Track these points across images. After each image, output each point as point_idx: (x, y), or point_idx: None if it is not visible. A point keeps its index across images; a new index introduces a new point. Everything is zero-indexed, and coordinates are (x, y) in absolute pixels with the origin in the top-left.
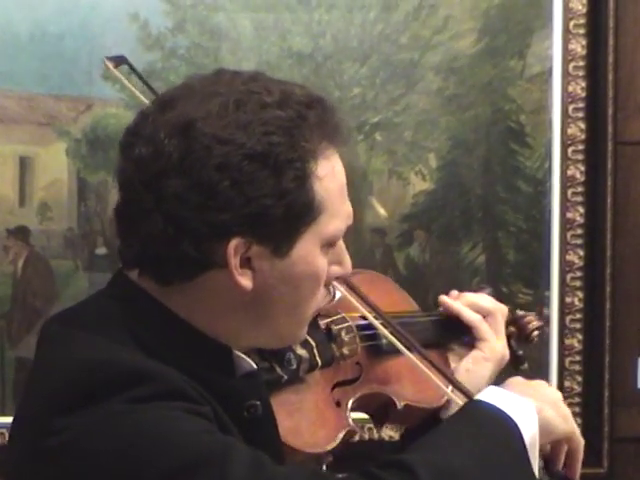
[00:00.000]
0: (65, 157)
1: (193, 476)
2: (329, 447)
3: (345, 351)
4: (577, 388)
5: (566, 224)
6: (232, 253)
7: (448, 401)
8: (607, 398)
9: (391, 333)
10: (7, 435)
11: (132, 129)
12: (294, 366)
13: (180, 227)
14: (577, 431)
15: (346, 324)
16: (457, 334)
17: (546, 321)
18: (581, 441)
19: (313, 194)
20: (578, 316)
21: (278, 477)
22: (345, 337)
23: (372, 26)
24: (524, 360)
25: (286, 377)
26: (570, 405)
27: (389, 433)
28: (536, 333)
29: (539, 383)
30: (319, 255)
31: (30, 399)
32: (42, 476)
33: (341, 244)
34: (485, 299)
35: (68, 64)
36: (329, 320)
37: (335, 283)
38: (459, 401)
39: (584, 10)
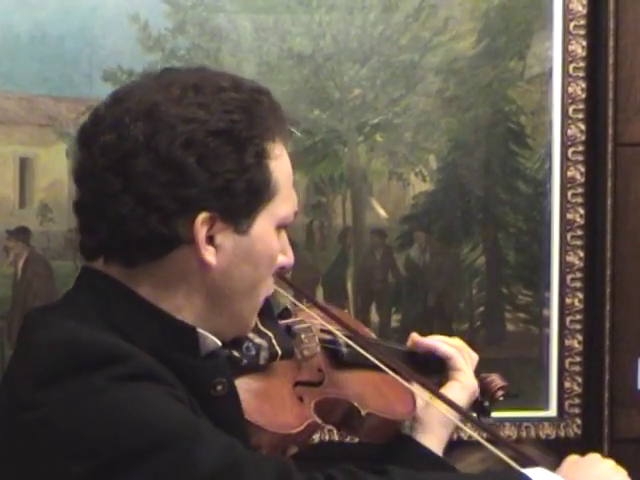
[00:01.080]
0: (65, 158)
1: (163, 453)
2: (294, 430)
3: (305, 352)
4: (577, 389)
5: (566, 225)
6: (199, 227)
7: (419, 421)
8: (607, 399)
9: (352, 341)
10: None
11: (91, 122)
12: (253, 352)
13: (149, 205)
14: None
15: (305, 325)
16: (423, 369)
17: (506, 385)
18: None
19: (270, 173)
20: (578, 317)
21: (247, 462)
22: (304, 338)
23: (372, 27)
24: (488, 413)
25: (245, 361)
26: (570, 406)
27: None
28: (500, 393)
29: (590, 460)
30: (274, 236)
31: (9, 379)
32: (21, 448)
33: (284, 234)
34: (451, 339)
35: (68, 65)
36: (289, 321)
37: (299, 303)
38: (426, 397)
39: (584, 11)
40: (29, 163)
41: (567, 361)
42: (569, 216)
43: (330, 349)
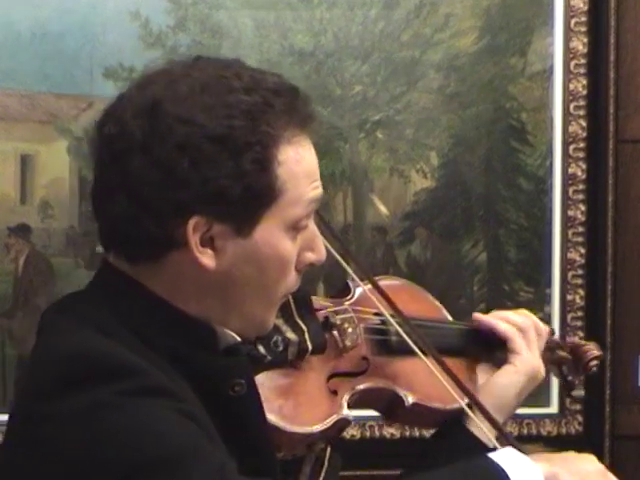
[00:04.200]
0: (66, 155)
1: (158, 475)
2: (316, 428)
3: (347, 342)
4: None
5: (567, 222)
6: (191, 231)
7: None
8: (608, 396)
9: (405, 332)
10: None
11: (108, 109)
12: (280, 348)
13: (142, 205)
14: None
15: (348, 315)
16: (486, 347)
17: (599, 349)
18: None
19: (274, 177)
20: (579, 314)
21: None
22: (347, 327)
23: (373, 24)
24: (574, 386)
25: (270, 357)
26: (571, 403)
27: (390, 431)
28: (594, 363)
29: (579, 456)
30: (284, 238)
31: (20, 389)
32: (26, 460)
33: (313, 230)
34: (518, 315)
35: (69, 62)
36: (331, 310)
37: (357, 280)
38: (469, 411)
39: (585, 8)
40: (30, 160)
41: None
42: (570, 213)
43: (378, 337)
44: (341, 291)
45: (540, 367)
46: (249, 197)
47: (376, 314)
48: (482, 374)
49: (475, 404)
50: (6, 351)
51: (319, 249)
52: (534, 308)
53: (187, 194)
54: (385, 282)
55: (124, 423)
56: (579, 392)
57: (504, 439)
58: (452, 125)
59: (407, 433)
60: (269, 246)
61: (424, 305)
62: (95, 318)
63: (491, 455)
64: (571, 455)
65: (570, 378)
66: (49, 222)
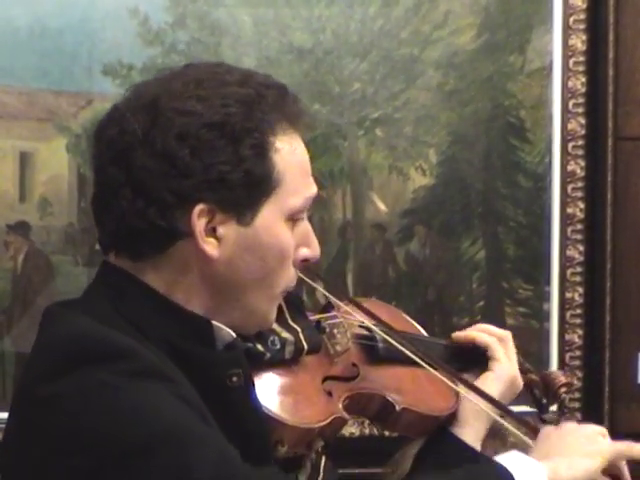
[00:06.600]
0: (65, 152)
1: (157, 453)
2: (317, 425)
3: (337, 347)
4: (577, 383)
5: (566, 219)
6: (196, 219)
7: (456, 415)
8: (607, 393)
9: (389, 336)
10: None
11: (104, 119)
12: (278, 346)
13: (147, 197)
14: (616, 450)
15: (337, 321)
16: (466, 362)
17: (575, 376)
18: (622, 452)
19: (272, 165)
20: (578, 311)
21: (239, 475)
22: (336, 333)
23: (372, 21)
24: (547, 409)
25: (269, 355)
26: (570, 400)
27: None
28: (564, 389)
29: (564, 430)
30: (283, 228)
31: (25, 372)
32: (30, 443)
33: (307, 226)
34: (497, 328)
35: (68, 59)
36: (320, 316)
37: (339, 302)
38: (470, 397)
39: (584, 5)
40: (29, 157)
41: (567, 355)
42: (569, 210)
43: (366, 344)
44: (325, 308)
45: (518, 375)
46: (249, 183)
47: (362, 326)
48: None
49: (470, 388)
50: (5, 348)
51: (314, 245)
52: (533, 305)
53: (190, 182)
54: (365, 304)
55: (123, 403)
56: (549, 416)
57: (508, 415)
58: (451, 122)
59: None
60: (269, 235)
61: (403, 324)
62: (95, 310)
63: (497, 458)
64: (562, 435)
65: (544, 401)
66: (48, 219)
